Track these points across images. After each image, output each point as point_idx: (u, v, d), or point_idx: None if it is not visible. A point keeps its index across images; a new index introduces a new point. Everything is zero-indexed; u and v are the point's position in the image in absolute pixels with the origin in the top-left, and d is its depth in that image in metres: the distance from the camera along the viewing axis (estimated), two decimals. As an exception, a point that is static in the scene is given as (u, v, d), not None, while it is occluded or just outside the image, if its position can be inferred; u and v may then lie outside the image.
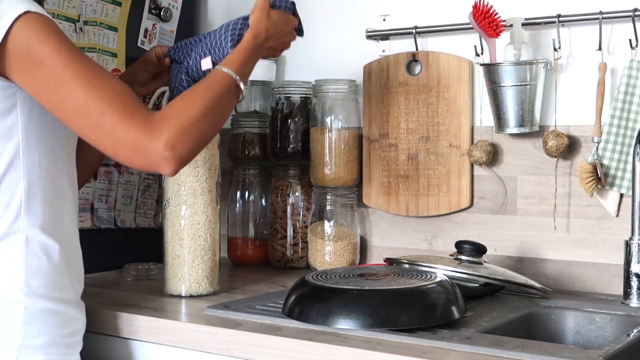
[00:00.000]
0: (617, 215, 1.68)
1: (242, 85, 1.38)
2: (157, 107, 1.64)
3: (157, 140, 1.22)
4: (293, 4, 1.54)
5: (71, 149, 1.39)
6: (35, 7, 1.23)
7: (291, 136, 1.98)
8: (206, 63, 1.51)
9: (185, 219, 1.61)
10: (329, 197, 1.93)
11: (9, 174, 1.27)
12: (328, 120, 1.93)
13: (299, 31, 1.55)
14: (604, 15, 1.66)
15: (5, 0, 1.21)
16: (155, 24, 2.04)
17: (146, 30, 2.02)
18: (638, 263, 1.53)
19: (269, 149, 2.02)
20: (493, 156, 1.79)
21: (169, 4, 2.06)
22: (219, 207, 1.65)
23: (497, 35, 1.71)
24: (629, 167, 1.64)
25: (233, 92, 1.37)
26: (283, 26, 1.51)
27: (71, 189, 1.38)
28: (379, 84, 1.94)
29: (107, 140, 1.22)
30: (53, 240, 1.32)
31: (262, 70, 2.09)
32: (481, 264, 1.59)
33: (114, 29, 1.94)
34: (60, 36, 1.24)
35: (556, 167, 1.73)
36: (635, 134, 1.58)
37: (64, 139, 1.35)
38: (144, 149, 1.22)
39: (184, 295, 1.61)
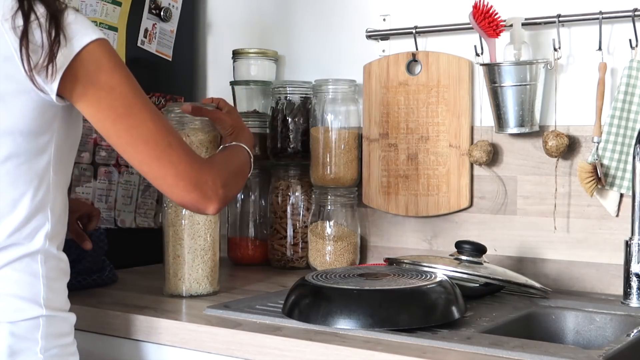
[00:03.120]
0: (617, 215, 1.68)
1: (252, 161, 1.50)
2: None
3: (216, 178, 1.31)
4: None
5: (69, 174, 1.38)
6: (104, 35, 1.25)
7: (291, 136, 1.98)
8: None
9: (185, 219, 1.61)
10: (329, 197, 1.93)
11: (42, 192, 1.26)
12: (328, 120, 1.93)
13: None
14: (604, 15, 1.66)
15: (76, 22, 1.21)
16: (155, 24, 2.04)
17: (146, 30, 2.02)
18: (638, 263, 1.53)
19: (269, 149, 2.02)
20: (493, 156, 1.79)
21: (169, 4, 2.06)
22: None
23: (497, 35, 1.71)
24: (629, 167, 1.64)
25: (249, 163, 1.49)
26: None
27: (66, 209, 1.37)
28: (379, 84, 1.94)
29: (170, 171, 1.26)
30: (62, 253, 1.32)
31: (262, 70, 2.09)
32: (481, 264, 1.59)
33: (114, 29, 1.94)
34: (126, 67, 1.27)
35: (556, 167, 1.73)
36: (635, 134, 1.58)
37: (72, 161, 1.36)
38: (203, 183, 1.29)
39: (184, 295, 1.61)
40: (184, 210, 1.60)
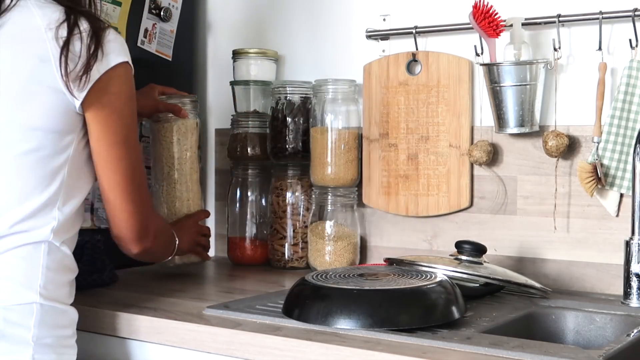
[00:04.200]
0: (617, 215, 1.68)
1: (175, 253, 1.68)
2: None
3: (154, 230, 1.48)
4: None
5: (90, 180, 1.46)
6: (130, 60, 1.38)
7: (291, 136, 1.98)
8: None
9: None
10: (329, 197, 1.93)
11: (52, 190, 1.33)
12: (328, 120, 1.92)
13: None
14: (604, 15, 1.66)
15: (115, 41, 1.34)
16: (155, 23, 2.04)
17: (146, 30, 2.02)
18: (638, 263, 1.53)
19: (269, 149, 2.02)
20: (493, 156, 1.79)
21: (169, 4, 2.07)
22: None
23: (497, 35, 1.71)
24: (629, 167, 1.64)
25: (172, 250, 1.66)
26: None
27: (83, 209, 1.45)
28: (379, 84, 1.94)
29: (129, 207, 1.40)
30: (68, 249, 1.38)
31: (262, 70, 2.09)
32: (481, 264, 1.59)
33: (114, 29, 1.93)
34: (136, 100, 1.41)
35: (556, 167, 1.73)
36: (635, 134, 1.58)
37: (91, 174, 1.42)
38: (145, 229, 1.44)
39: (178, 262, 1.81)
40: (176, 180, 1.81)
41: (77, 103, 1.31)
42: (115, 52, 1.33)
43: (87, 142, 1.37)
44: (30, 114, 1.30)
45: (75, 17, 1.31)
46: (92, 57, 1.29)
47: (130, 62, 1.37)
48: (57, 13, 1.31)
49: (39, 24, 1.31)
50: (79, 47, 1.29)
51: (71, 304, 1.38)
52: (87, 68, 1.29)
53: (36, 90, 1.29)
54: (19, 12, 1.32)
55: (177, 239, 1.65)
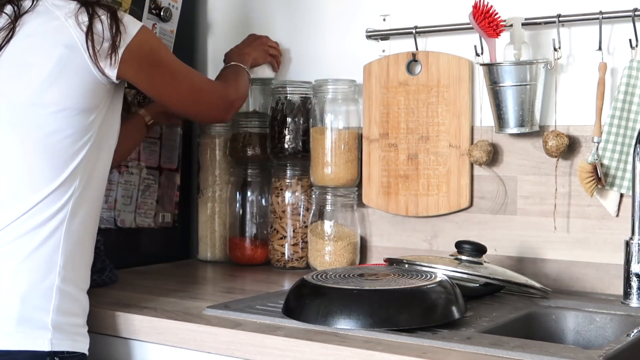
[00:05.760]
0: (617, 215, 1.68)
1: (247, 69, 1.93)
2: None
3: (233, 95, 1.76)
4: None
5: (111, 153, 1.53)
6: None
7: (291, 136, 1.98)
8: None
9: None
10: (329, 197, 1.93)
11: (74, 167, 1.40)
12: (328, 120, 1.93)
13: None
14: (604, 15, 1.66)
15: (125, 16, 1.47)
16: (155, 24, 2.04)
17: (146, 30, 2.02)
18: (638, 263, 1.53)
19: (269, 149, 2.02)
20: (493, 156, 1.79)
21: (169, 4, 2.06)
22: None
23: (497, 35, 1.71)
24: (629, 167, 1.64)
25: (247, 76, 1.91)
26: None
27: (103, 190, 1.51)
28: (379, 84, 1.94)
29: (205, 107, 1.68)
30: (86, 232, 1.44)
31: (262, 70, 2.09)
32: (481, 264, 1.59)
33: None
34: (163, 43, 1.60)
35: (556, 167, 1.73)
36: (635, 134, 1.58)
37: (113, 145, 1.52)
38: (228, 104, 1.74)
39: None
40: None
41: (111, 79, 1.43)
42: (131, 23, 1.47)
43: (110, 114, 1.47)
44: (60, 94, 1.38)
45: (91, 5, 1.43)
46: (116, 34, 1.42)
47: (143, 23, 1.50)
48: (72, 4, 1.43)
49: (58, 15, 1.42)
50: (100, 28, 1.41)
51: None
52: (114, 46, 1.41)
53: (65, 73, 1.39)
54: (39, 10, 1.44)
55: (248, 71, 1.91)
